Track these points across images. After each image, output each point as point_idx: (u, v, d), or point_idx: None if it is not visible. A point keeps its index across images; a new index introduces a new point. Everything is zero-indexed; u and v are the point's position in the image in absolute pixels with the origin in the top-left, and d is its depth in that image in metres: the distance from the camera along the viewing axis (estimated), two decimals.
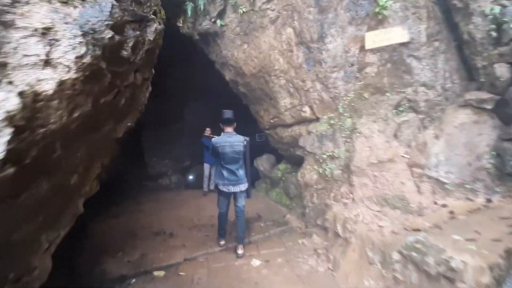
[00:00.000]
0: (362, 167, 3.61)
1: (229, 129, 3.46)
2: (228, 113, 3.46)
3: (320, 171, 4.19)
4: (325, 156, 4.15)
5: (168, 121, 9.95)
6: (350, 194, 3.73)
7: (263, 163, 6.90)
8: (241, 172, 3.42)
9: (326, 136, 4.20)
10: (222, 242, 3.79)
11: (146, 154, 9.33)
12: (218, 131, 3.69)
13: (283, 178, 5.84)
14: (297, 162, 5.76)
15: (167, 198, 6.92)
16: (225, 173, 3.37)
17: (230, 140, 3.35)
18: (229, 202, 3.58)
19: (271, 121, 5.74)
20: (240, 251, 3.50)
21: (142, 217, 5.37)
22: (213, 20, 5.32)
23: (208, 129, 6.74)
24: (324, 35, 4.25)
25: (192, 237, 4.29)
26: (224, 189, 3.40)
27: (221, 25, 5.29)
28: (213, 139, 3.47)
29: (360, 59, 4.17)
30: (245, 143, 3.40)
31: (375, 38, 4.05)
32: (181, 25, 5.93)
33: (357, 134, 3.79)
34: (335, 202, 3.84)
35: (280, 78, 4.95)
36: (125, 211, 5.89)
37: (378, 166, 3.52)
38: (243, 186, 3.45)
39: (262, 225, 4.63)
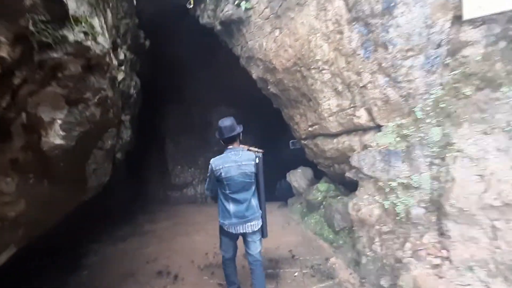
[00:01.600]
0: (469, 209, 2.16)
1: (232, 145, 2.43)
2: (227, 123, 2.40)
3: (386, 206, 2.81)
4: (394, 184, 2.75)
5: (194, 127, 9.18)
6: (443, 251, 2.30)
7: (297, 178, 5.60)
8: (253, 203, 2.37)
9: (396, 153, 2.80)
10: None
11: (169, 162, 8.61)
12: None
13: (324, 203, 4.50)
14: (345, 182, 4.37)
15: (186, 216, 6.00)
16: (231, 207, 2.32)
17: (236, 159, 2.33)
18: (236, 243, 2.57)
19: (309, 129, 4.45)
20: None
21: (150, 244, 4.46)
22: (236, 2, 4.25)
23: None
24: (392, 4, 2.88)
25: (201, 285, 3.21)
26: (231, 230, 2.39)
27: (246, 8, 4.19)
28: (211, 160, 2.39)
29: (453, 36, 2.71)
30: (257, 161, 2.37)
31: (481, 2, 2.57)
32: (200, 14, 4.98)
33: (456, 154, 2.34)
34: (414, 260, 2.43)
35: (324, 71, 3.66)
36: (136, 232, 5.09)
37: (501, 212, 2.04)
38: (257, 224, 2.39)
39: (296, 273, 3.35)
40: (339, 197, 4.30)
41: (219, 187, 2.41)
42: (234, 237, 2.46)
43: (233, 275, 2.61)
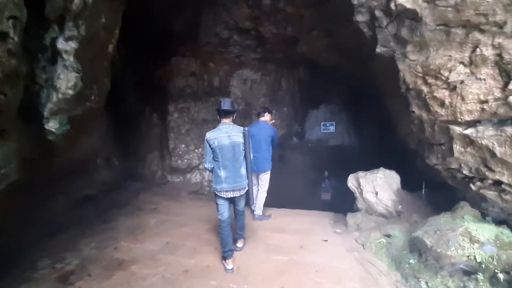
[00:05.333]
0: None
1: (226, 120, 2.74)
2: (226, 103, 2.77)
3: None
4: None
5: (206, 93, 6.82)
6: None
7: (375, 187, 3.26)
8: (242, 172, 2.71)
9: None
10: (230, 266, 2.73)
11: (170, 139, 6.36)
12: None
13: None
14: None
15: (178, 225, 3.82)
16: (223, 173, 2.65)
17: (227, 130, 2.65)
18: (229, 206, 2.84)
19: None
20: (240, 244, 3.07)
21: None
22: None
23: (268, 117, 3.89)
24: None
25: None
26: (222, 195, 2.71)
27: None
28: (207, 133, 2.71)
29: None
30: (244, 132, 2.68)
31: None
32: None
33: None
34: None
35: None
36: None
37: None
38: (244, 189, 2.75)
39: None
40: None
41: (214, 156, 2.67)
42: (227, 200, 2.77)
43: (228, 237, 2.78)
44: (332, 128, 9.97)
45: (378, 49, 3.01)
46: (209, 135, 2.65)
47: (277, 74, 8.18)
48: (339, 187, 8.27)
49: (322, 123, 10.15)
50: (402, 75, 2.85)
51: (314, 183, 8.89)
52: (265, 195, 3.88)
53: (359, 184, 3.38)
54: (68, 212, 3.98)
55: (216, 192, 2.71)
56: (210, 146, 2.63)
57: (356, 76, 5.29)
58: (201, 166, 6.84)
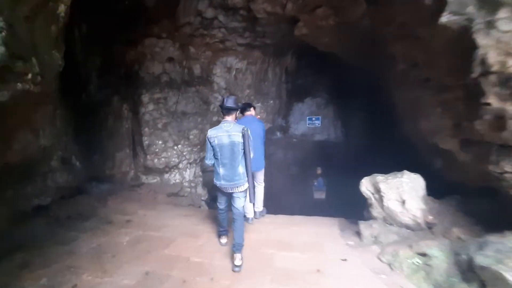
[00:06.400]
0: None
1: (228, 118, 2.78)
2: (230, 100, 2.80)
3: None
4: None
5: (186, 82, 5.98)
6: None
7: (400, 193, 2.80)
8: (240, 171, 2.70)
9: None
10: (224, 240, 3.10)
11: (144, 135, 5.47)
12: None
13: None
14: None
15: (159, 245, 3.10)
16: (221, 171, 2.72)
17: (228, 129, 2.68)
18: (227, 198, 2.96)
19: None
20: (237, 262, 2.60)
21: None
22: None
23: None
24: None
25: None
26: (222, 189, 2.83)
27: None
28: (208, 131, 2.77)
29: None
30: (243, 132, 2.64)
31: None
32: None
33: None
34: None
35: None
36: None
37: None
38: (242, 187, 2.74)
39: None
40: None
41: (214, 154, 2.75)
42: (225, 194, 2.89)
43: (224, 221, 3.09)
44: (318, 123, 9.61)
45: (445, 18, 2.32)
46: (210, 133, 2.73)
47: (263, 63, 7.52)
48: (331, 185, 7.95)
49: (307, 117, 9.76)
50: (481, 53, 2.16)
51: (301, 181, 8.50)
52: (263, 190, 3.83)
53: (376, 190, 2.92)
54: (9, 231, 3.07)
55: (216, 186, 2.86)
56: (210, 143, 2.72)
57: (363, 64, 4.76)
58: (180, 165, 6.06)
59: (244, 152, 2.68)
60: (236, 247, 2.67)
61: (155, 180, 5.76)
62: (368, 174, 3.11)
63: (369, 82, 6.20)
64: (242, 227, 2.76)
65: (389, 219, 2.88)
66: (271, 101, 8.16)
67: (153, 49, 5.50)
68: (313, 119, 9.67)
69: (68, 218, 3.73)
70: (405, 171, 2.89)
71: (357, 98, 8.08)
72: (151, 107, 5.49)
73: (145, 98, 5.45)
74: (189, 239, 3.11)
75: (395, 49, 2.99)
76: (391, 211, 2.79)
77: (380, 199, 2.89)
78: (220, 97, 6.29)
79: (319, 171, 7.62)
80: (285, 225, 3.53)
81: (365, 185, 3.06)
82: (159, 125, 5.58)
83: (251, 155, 2.72)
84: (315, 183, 7.47)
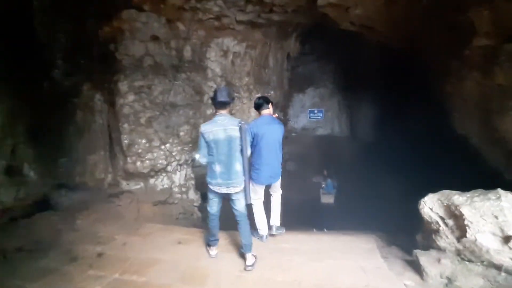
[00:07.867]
0: None
1: (222, 111, 2.60)
2: (223, 93, 2.60)
3: None
4: None
5: (175, 67, 4.93)
6: None
7: (506, 228, 1.99)
8: (238, 169, 2.56)
9: None
10: (214, 252, 2.82)
11: (124, 132, 4.41)
12: None
13: None
14: None
15: None
16: (218, 168, 2.54)
17: (223, 123, 2.52)
18: (220, 201, 2.78)
19: None
20: (249, 261, 2.56)
21: None
22: None
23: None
24: None
25: None
26: (216, 190, 2.64)
27: None
28: (201, 125, 2.63)
29: None
30: (240, 125, 2.51)
31: None
32: None
33: None
34: None
35: None
36: None
37: None
38: (239, 187, 2.59)
39: None
40: None
41: (209, 150, 2.57)
42: (218, 195, 2.71)
43: (215, 229, 2.80)
44: (320, 116, 8.81)
45: None
46: (204, 127, 2.57)
47: (264, 47, 6.54)
48: (342, 189, 7.13)
49: (309, 109, 8.93)
50: None
51: (304, 181, 7.70)
52: (280, 199, 3.34)
53: (451, 215, 2.11)
54: None
55: (210, 186, 2.68)
56: (205, 139, 2.54)
57: (410, 46, 3.76)
58: (169, 168, 5.07)
59: (241, 149, 2.55)
60: (245, 248, 2.59)
61: (138, 187, 4.75)
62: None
63: (387, 70, 5.38)
64: (248, 227, 2.68)
65: (469, 255, 2.09)
66: (272, 92, 7.24)
67: (133, 24, 4.39)
68: (315, 111, 8.86)
69: (19, 250, 2.73)
70: (500, 190, 2.09)
71: (367, 89, 7.27)
72: (131, 97, 4.42)
73: (123, 86, 4.36)
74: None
75: (478, 17, 2.15)
76: (479, 247, 1.99)
77: (458, 228, 2.09)
78: (215, 86, 5.32)
79: (325, 172, 6.82)
80: (311, 253, 2.72)
81: (431, 206, 2.25)
82: (142, 120, 4.53)
83: (248, 153, 2.60)
84: (323, 186, 6.67)
